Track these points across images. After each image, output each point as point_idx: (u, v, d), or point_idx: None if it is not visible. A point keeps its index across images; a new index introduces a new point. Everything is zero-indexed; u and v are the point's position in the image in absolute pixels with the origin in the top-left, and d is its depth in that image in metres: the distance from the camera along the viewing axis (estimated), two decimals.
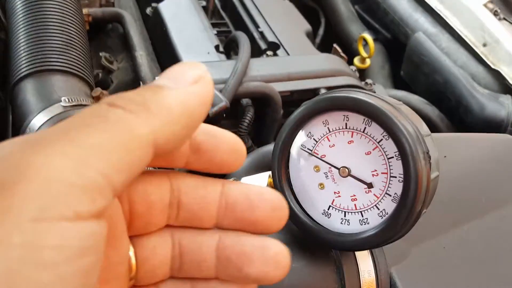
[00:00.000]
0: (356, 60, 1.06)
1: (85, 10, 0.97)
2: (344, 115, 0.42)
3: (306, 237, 0.44)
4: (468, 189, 0.57)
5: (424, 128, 0.41)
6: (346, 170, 0.42)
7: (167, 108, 0.22)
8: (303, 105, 0.43)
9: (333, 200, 0.43)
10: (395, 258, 0.49)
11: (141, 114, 0.21)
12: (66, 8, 0.77)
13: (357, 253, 0.46)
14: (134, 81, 0.92)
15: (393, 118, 0.38)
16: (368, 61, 1.05)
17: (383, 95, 0.41)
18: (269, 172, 0.50)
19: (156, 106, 0.22)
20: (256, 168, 0.57)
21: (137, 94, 0.23)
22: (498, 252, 0.53)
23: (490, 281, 0.50)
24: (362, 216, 0.42)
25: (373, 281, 0.46)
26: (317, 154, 0.44)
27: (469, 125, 0.92)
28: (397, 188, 0.39)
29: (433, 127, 0.95)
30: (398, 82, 1.12)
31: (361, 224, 0.42)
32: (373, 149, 0.40)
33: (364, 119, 0.40)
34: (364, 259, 0.46)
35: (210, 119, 0.66)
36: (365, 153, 0.41)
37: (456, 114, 0.95)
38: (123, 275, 0.26)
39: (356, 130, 0.41)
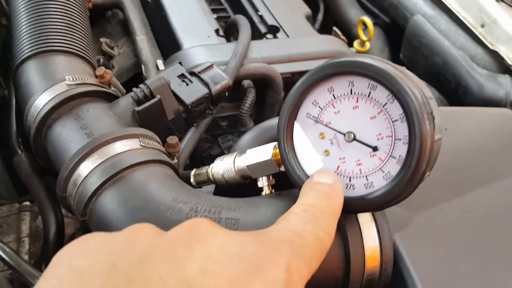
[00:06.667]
0: (356, 44, 1.06)
1: None
2: (349, 81, 0.42)
3: None
4: (469, 160, 0.58)
5: (427, 91, 0.41)
6: (352, 135, 0.43)
7: None
8: (308, 73, 0.44)
9: (338, 166, 0.44)
10: (398, 225, 0.50)
11: None
12: None
13: (361, 220, 0.47)
14: (135, 66, 0.92)
15: (398, 80, 0.38)
16: (367, 44, 1.05)
17: (386, 60, 0.42)
18: (274, 143, 0.51)
19: None
20: (260, 141, 0.57)
21: None
22: (498, 220, 0.54)
23: (490, 248, 0.51)
24: (367, 180, 0.42)
25: (377, 247, 0.47)
26: (323, 122, 0.45)
27: (468, 105, 0.92)
28: (401, 150, 0.40)
29: None
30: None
31: (366, 188, 0.42)
32: (378, 113, 0.41)
33: (369, 84, 0.41)
34: (367, 225, 0.47)
35: (213, 98, 0.66)
36: (370, 117, 0.42)
37: (455, 95, 0.95)
38: None
39: (361, 95, 0.42)
